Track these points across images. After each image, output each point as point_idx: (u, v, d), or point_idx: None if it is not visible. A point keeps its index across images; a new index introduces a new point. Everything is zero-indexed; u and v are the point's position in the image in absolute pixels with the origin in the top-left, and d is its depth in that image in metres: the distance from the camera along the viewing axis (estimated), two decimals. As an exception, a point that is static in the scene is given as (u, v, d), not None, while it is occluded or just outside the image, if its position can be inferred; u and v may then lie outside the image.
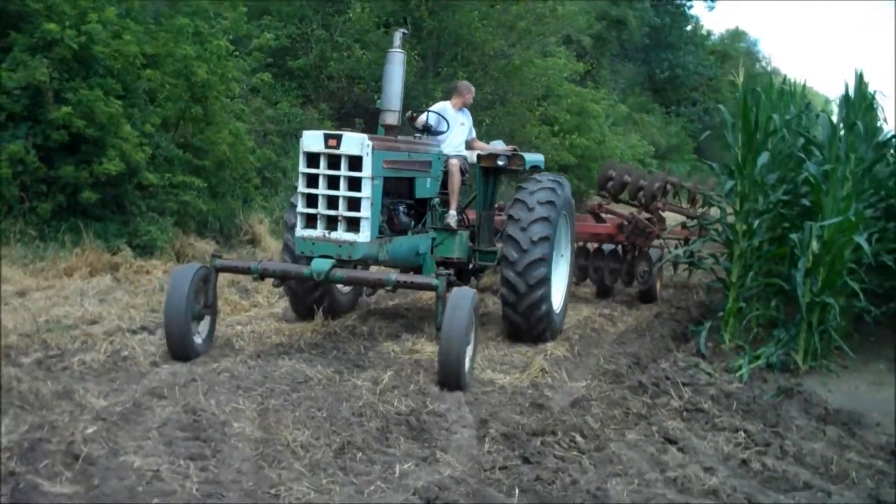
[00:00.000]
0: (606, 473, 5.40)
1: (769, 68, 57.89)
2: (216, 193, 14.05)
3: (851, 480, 5.58)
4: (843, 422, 6.95)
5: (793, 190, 9.61)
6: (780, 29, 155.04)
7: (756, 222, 9.39)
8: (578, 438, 5.97)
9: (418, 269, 9.26)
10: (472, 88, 10.91)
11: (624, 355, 8.83)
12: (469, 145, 10.57)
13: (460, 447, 5.79)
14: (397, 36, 9.17)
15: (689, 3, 46.79)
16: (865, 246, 8.53)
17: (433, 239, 9.54)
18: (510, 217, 9.26)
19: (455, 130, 10.20)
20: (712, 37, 50.22)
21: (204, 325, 8.03)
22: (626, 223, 12.42)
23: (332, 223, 7.92)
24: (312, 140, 7.89)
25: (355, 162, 7.84)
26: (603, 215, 13.04)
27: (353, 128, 19.38)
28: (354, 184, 7.84)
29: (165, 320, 7.64)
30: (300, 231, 8.01)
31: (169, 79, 13.32)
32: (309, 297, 9.50)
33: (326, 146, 7.83)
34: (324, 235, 7.90)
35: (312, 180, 7.93)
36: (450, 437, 5.97)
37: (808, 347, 8.69)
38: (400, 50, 8.99)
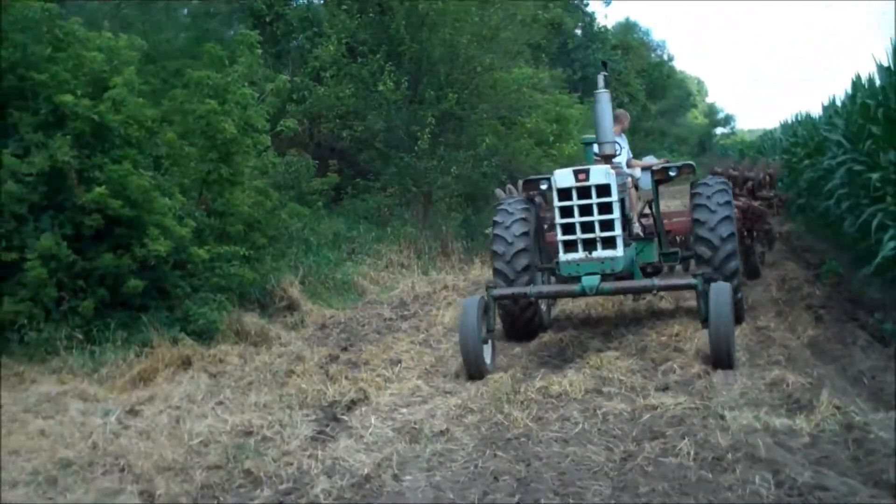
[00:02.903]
0: None
1: (665, 56, 58.40)
2: (249, 260, 12.48)
3: None
4: None
5: None
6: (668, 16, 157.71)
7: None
8: None
9: (630, 275, 9.90)
10: (628, 115, 12.50)
11: (864, 370, 7.83)
12: (629, 164, 11.51)
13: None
14: (601, 78, 10.15)
15: (585, 1, 46.61)
16: None
17: (635, 247, 10.45)
18: (696, 220, 10.11)
19: (622, 153, 11.06)
20: (609, 31, 50.13)
21: (488, 349, 9.10)
22: (741, 211, 13.04)
23: (589, 245, 9.10)
24: (564, 177, 9.18)
25: (603, 189, 9.08)
26: None
27: (328, 169, 18.22)
28: (605, 208, 9.08)
29: (461, 346, 8.85)
30: (563, 256, 9.20)
31: (185, 140, 11.81)
32: (522, 317, 10.43)
33: (577, 180, 9.09)
34: (586, 256, 9.10)
35: (566, 211, 9.14)
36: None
37: None
38: (605, 90, 10.01)
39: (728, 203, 10.14)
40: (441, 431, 7.00)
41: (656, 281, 9.22)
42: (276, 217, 13.00)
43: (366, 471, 6.05)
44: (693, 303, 10.77)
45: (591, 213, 9.09)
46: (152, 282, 10.75)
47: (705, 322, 8.53)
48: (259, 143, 12.35)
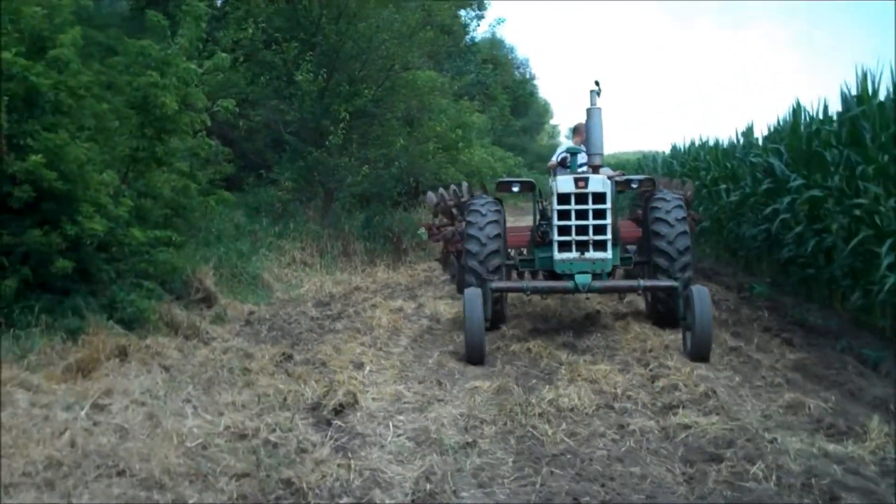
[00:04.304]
0: None
1: (528, 74, 58.92)
2: (177, 246, 11.53)
3: None
4: None
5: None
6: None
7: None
8: None
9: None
10: None
11: (882, 397, 7.71)
12: None
13: None
14: (594, 94, 10.79)
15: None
16: None
17: None
18: (656, 233, 10.67)
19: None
20: (477, 45, 50.14)
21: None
22: None
23: (581, 246, 10.10)
24: (565, 184, 10.18)
25: (599, 197, 10.15)
26: None
27: (225, 158, 17.28)
28: (600, 214, 10.15)
29: (467, 336, 9.42)
30: (558, 255, 10.15)
31: (114, 113, 10.82)
32: (493, 308, 10.36)
33: (577, 187, 10.12)
34: (579, 256, 10.09)
35: (564, 214, 10.13)
36: None
37: None
38: (598, 107, 10.74)
39: (684, 219, 10.79)
40: (468, 443, 6.49)
41: (641, 281, 10.14)
42: (203, 203, 12.13)
43: (425, 486, 5.47)
44: (620, 307, 12.77)
45: (586, 218, 10.07)
46: (75, 264, 9.79)
47: (683, 320, 9.57)
48: (196, 122, 11.46)
